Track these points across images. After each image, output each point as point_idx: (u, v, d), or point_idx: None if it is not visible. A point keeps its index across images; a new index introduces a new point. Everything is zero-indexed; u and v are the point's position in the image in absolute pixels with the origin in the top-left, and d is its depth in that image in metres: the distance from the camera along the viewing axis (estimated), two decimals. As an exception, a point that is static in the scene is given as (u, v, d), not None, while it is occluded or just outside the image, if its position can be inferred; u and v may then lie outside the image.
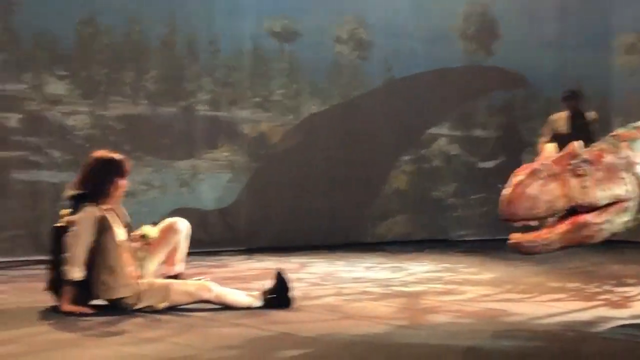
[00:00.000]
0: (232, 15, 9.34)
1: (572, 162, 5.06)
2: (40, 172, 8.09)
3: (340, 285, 6.77)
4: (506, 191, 4.99)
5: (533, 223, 4.95)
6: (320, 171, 10.07)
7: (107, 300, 5.32)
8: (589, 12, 11.62)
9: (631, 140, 5.33)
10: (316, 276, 7.31)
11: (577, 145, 5.23)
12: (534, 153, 10.62)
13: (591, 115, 10.08)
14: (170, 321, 4.99)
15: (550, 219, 5.12)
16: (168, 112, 8.99)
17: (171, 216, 6.02)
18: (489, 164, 11.37)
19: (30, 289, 5.85)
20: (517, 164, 11.99)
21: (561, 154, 5.20)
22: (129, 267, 5.33)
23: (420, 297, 6.16)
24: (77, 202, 5.34)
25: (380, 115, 10.45)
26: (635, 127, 5.48)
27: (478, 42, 11.38)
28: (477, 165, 11.42)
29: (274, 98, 9.77)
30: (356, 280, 7.09)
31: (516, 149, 11.49)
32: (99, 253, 5.23)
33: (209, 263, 8.09)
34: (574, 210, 5.04)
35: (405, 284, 6.92)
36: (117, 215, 5.45)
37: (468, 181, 11.30)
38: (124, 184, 5.49)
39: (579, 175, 5.02)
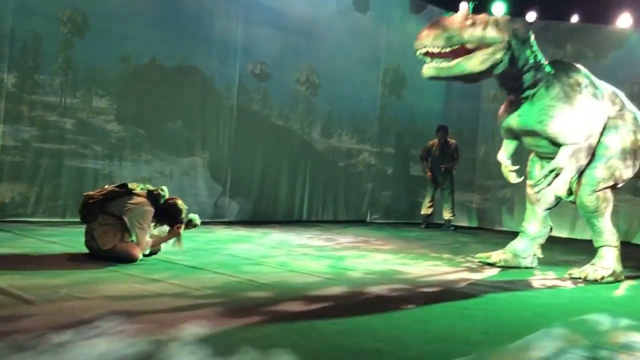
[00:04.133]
0: (226, 60, 9.18)
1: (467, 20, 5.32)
2: (86, 160, 7.90)
3: (289, 248, 6.76)
4: (423, 30, 5.30)
5: (434, 50, 5.23)
6: (281, 170, 9.98)
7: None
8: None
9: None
10: (273, 242, 7.27)
11: (465, 8, 5.55)
12: (420, 164, 11.05)
13: (452, 140, 10.72)
14: (168, 268, 4.94)
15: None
16: (177, 124, 8.85)
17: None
18: (392, 171, 11.56)
19: (75, 241, 5.68)
20: (407, 172, 12.16)
21: (459, 14, 5.37)
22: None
23: (343, 259, 6.19)
24: (151, 199, 5.20)
25: (323, 134, 10.46)
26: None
27: (391, 89, 11.46)
28: (387, 172, 11.52)
29: (252, 119, 9.69)
30: (300, 245, 7.08)
31: (410, 160, 11.73)
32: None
33: (200, 230, 7.98)
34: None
35: (334, 249, 6.94)
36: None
37: (380, 182, 11.39)
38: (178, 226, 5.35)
39: (469, 26, 5.30)
